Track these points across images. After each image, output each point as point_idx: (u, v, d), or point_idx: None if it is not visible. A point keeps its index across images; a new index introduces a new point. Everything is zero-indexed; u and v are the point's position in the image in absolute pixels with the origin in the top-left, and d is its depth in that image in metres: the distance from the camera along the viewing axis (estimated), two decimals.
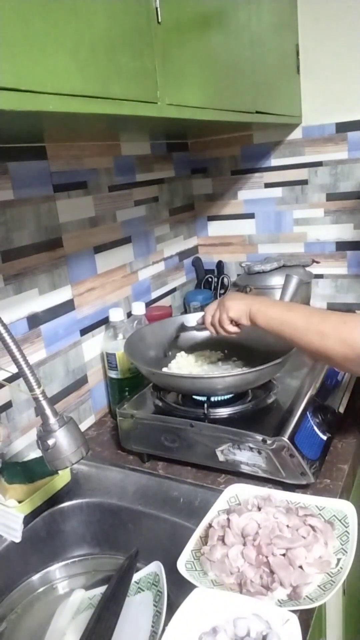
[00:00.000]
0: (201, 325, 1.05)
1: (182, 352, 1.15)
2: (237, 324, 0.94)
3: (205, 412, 0.94)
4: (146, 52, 0.73)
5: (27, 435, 1.03)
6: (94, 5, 0.62)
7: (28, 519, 0.88)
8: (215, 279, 1.64)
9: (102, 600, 0.76)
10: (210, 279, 1.64)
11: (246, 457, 0.90)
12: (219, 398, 0.99)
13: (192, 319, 1.16)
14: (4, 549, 0.86)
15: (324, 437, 0.95)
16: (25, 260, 1.01)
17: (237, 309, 0.91)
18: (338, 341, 0.75)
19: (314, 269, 1.53)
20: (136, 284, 1.38)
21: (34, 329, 1.04)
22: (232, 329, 0.94)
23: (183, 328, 1.17)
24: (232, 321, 0.93)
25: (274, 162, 1.55)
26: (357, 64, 1.38)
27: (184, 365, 1.12)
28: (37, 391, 0.66)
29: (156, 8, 0.74)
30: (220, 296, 1.62)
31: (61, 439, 0.68)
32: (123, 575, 0.78)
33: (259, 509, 0.79)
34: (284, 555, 0.71)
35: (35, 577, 0.91)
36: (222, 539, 0.75)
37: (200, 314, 1.06)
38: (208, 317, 0.98)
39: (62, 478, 0.95)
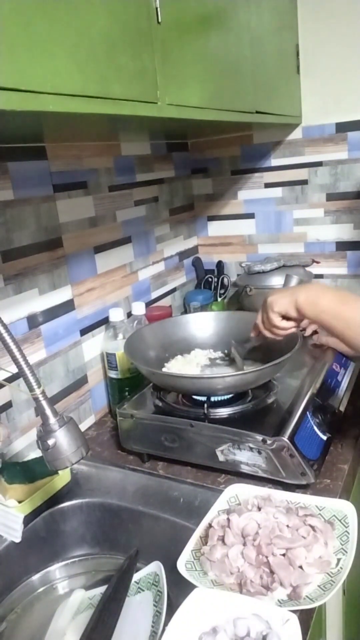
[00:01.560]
0: (255, 340, 1.01)
1: (178, 356, 1.15)
2: (288, 318, 0.88)
3: (205, 412, 0.94)
4: (146, 52, 0.73)
5: (27, 435, 1.03)
6: (94, 5, 0.62)
7: (28, 519, 0.88)
8: (215, 279, 1.64)
9: (102, 600, 0.76)
10: (210, 279, 1.64)
11: (246, 457, 0.90)
12: (219, 398, 0.99)
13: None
14: (4, 549, 0.86)
15: (324, 437, 0.95)
16: (25, 260, 1.01)
17: (280, 302, 0.85)
18: None
19: (314, 269, 1.53)
20: (136, 284, 1.38)
21: (34, 329, 1.04)
22: (286, 324, 0.88)
23: (236, 347, 1.09)
24: (281, 317, 0.87)
25: (274, 162, 1.55)
26: (357, 64, 1.38)
27: (183, 365, 1.12)
28: (37, 391, 0.66)
29: (156, 8, 0.74)
30: (220, 296, 1.62)
31: (61, 439, 0.68)
32: (123, 575, 0.78)
33: (259, 509, 0.79)
34: (284, 555, 0.71)
35: (35, 577, 0.91)
36: (222, 539, 0.75)
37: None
38: (259, 324, 0.93)
39: (62, 478, 0.95)
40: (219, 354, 1.17)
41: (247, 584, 0.69)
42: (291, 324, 0.89)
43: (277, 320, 0.88)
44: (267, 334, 0.93)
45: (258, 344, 1.04)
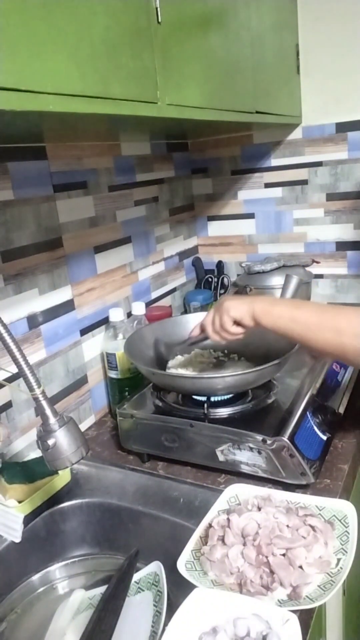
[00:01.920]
0: (195, 338, 1.00)
1: (178, 356, 1.15)
2: (239, 325, 0.89)
3: (205, 412, 0.94)
4: (146, 52, 0.73)
5: (27, 435, 1.03)
6: (94, 5, 0.62)
7: (28, 519, 0.88)
8: (215, 279, 1.64)
9: (102, 600, 0.76)
10: (210, 279, 1.64)
11: (246, 457, 0.90)
12: (219, 398, 0.99)
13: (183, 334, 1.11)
14: (4, 549, 0.86)
15: (324, 437, 0.95)
16: (25, 260, 1.01)
17: (238, 309, 0.86)
18: (354, 336, 0.72)
19: (314, 269, 1.53)
20: (136, 284, 1.38)
21: (34, 329, 1.04)
22: (236, 329, 0.88)
23: (169, 350, 1.11)
24: (234, 322, 0.88)
25: (274, 162, 1.55)
26: (357, 64, 1.38)
27: (183, 365, 1.12)
28: (37, 391, 0.66)
29: (156, 8, 0.74)
30: (220, 296, 1.62)
31: (61, 439, 0.68)
32: (123, 575, 0.78)
33: (259, 509, 0.79)
34: (284, 555, 0.71)
35: (35, 577, 0.91)
36: (222, 539, 0.75)
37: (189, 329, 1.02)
38: (209, 326, 0.92)
39: (62, 478, 0.95)
40: (218, 353, 1.17)
41: (247, 584, 0.69)
42: (241, 330, 0.89)
43: (229, 325, 0.88)
44: (215, 336, 0.92)
45: (191, 346, 1.04)
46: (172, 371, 1.09)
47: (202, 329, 0.95)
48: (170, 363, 1.12)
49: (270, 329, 0.83)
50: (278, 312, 0.81)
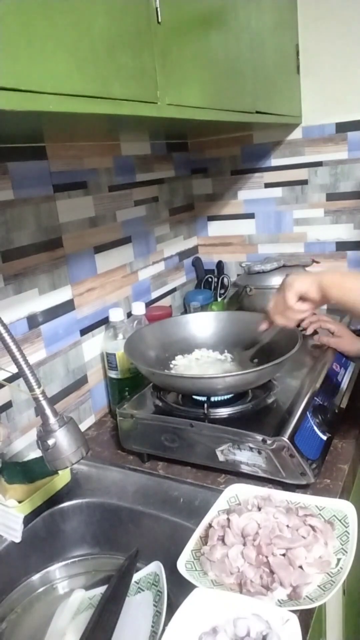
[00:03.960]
0: (265, 333, 0.97)
1: (178, 356, 1.15)
2: (304, 300, 0.85)
3: (205, 412, 0.94)
4: (146, 52, 0.73)
5: (27, 435, 1.03)
6: (94, 5, 0.62)
7: (28, 519, 0.88)
8: (215, 279, 1.64)
9: (102, 600, 0.76)
10: (210, 279, 1.64)
11: (246, 457, 0.90)
12: (219, 398, 0.99)
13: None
14: (4, 549, 0.86)
15: (324, 437, 0.95)
16: (25, 260, 1.01)
17: (302, 281, 0.82)
18: None
19: (314, 269, 1.53)
20: (136, 284, 1.38)
21: (34, 329, 1.04)
22: (301, 306, 0.85)
23: (243, 353, 1.09)
24: (299, 298, 0.84)
25: (274, 162, 1.55)
26: (357, 64, 1.38)
27: (184, 365, 1.12)
28: (37, 391, 0.66)
29: (156, 8, 0.74)
30: (220, 296, 1.62)
31: (61, 439, 0.68)
32: (123, 575, 0.78)
33: (259, 509, 0.79)
34: (284, 555, 0.71)
35: (35, 577, 0.91)
36: (222, 539, 0.75)
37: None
38: (272, 307, 0.90)
39: (62, 478, 0.95)
40: (218, 354, 1.17)
41: (247, 584, 0.69)
42: (306, 307, 0.86)
43: (294, 301, 0.85)
44: (279, 319, 0.90)
45: (262, 346, 1.03)
46: (172, 371, 1.09)
47: (268, 317, 0.93)
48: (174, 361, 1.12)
49: (339, 302, 0.81)
50: (350, 284, 0.79)
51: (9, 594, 0.87)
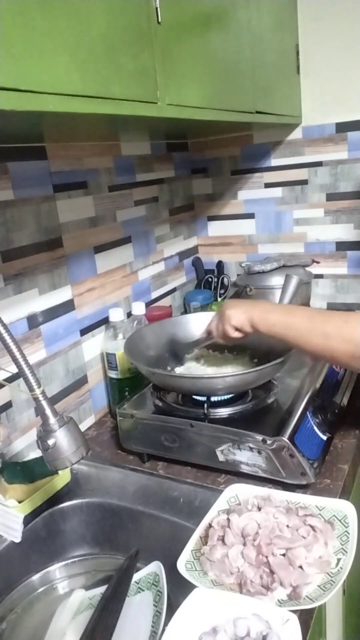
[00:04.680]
0: (204, 340, 1.05)
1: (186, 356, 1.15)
2: (239, 330, 0.94)
3: (205, 412, 0.94)
4: (146, 52, 0.73)
5: (27, 435, 1.03)
6: (94, 5, 0.62)
7: (28, 519, 0.88)
8: (215, 279, 1.64)
9: (102, 600, 0.76)
10: (210, 279, 1.64)
11: (246, 457, 0.90)
12: (219, 398, 0.99)
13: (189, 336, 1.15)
14: (4, 549, 0.86)
15: (324, 437, 0.95)
16: (25, 260, 1.01)
17: (237, 318, 0.91)
18: (342, 341, 0.76)
19: (314, 269, 1.53)
20: (136, 284, 1.38)
21: (34, 329, 1.04)
22: (237, 334, 0.94)
23: (185, 347, 1.13)
24: (235, 329, 0.93)
25: (274, 162, 1.55)
26: (357, 64, 1.38)
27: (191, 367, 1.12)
28: (37, 391, 0.66)
29: (156, 8, 0.74)
30: (220, 296, 1.62)
31: (61, 439, 0.68)
32: (123, 575, 0.78)
33: (259, 509, 0.79)
34: (284, 555, 0.71)
35: (35, 577, 0.91)
36: (222, 539, 0.75)
37: (198, 332, 1.08)
38: (214, 330, 0.99)
39: (62, 478, 0.95)
40: (217, 354, 1.17)
41: (247, 584, 0.69)
42: (240, 335, 0.94)
43: (232, 332, 0.93)
44: (220, 340, 1.00)
45: (203, 346, 1.09)
46: (172, 371, 1.09)
47: (209, 333, 1.02)
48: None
49: (267, 335, 0.88)
50: (273, 319, 0.86)
51: (9, 594, 0.87)
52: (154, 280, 1.47)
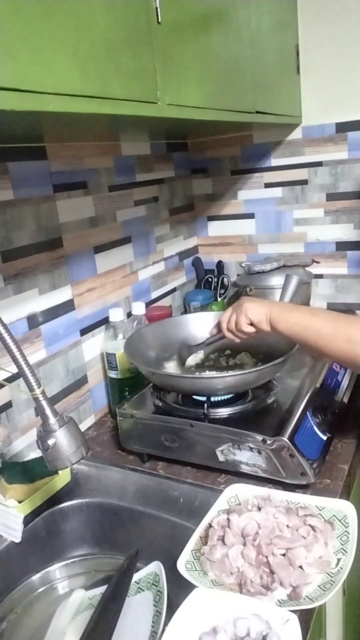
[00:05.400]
0: (213, 337, 1.03)
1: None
2: (253, 326, 0.91)
3: (205, 412, 0.94)
4: (146, 52, 0.73)
5: (27, 435, 1.03)
6: (94, 5, 0.62)
7: (28, 519, 0.88)
8: (215, 279, 1.64)
9: (102, 600, 0.76)
10: (210, 279, 1.64)
11: (246, 457, 0.90)
12: (219, 398, 0.99)
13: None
14: (4, 549, 0.86)
15: (324, 437, 0.95)
16: (25, 260, 1.01)
17: (257, 312, 0.88)
18: None
19: (314, 269, 1.53)
20: (136, 284, 1.38)
21: (34, 329, 1.04)
22: (250, 329, 0.91)
23: (189, 349, 1.11)
24: (250, 323, 0.90)
25: (274, 162, 1.55)
26: (357, 64, 1.38)
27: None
28: (37, 391, 0.66)
29: (156, 8, 0.74)
30: (220, 296, 1.62)
31: (61, 439, 0.68)
32: (123, 575, 0.78)
33: (259, 509, 0.79)
34: (284, 555, 0.71)
35: (35, 577, 0.91)
36: (222, 539, 0.75)
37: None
38: (224, 323, 0.96)
39: (62, 478, 0.95)
40: (216, 354, 1.17)
41: (247, 584, 0.69)
42: (253, 330, 0.91)
43: (245, 326, 0.91)
44: (229, 335, 0.96)
45: (210, 347, 1.07)
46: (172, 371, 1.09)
47: (218, 327, 0.99)
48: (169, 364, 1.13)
49: (285, 335, 0.85)
50: (294, 319, 0.84)
51: (9, 594, 0.87)
52: (154, 280, 1.47)
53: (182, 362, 1.10)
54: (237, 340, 0.96)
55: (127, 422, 1.01)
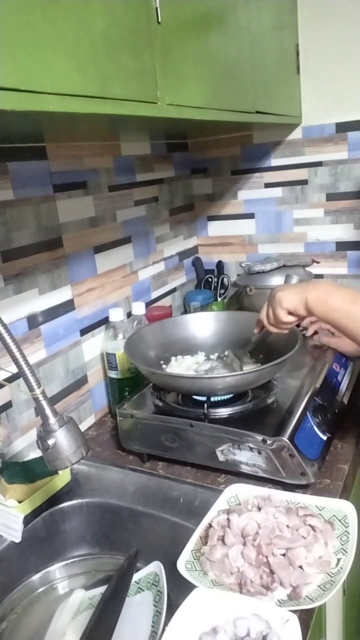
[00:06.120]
0: (258, 336, 1.01)
1: (178, 356, 1.15)
2: (292, 314, 0.88)
3: (205, 412, 0.94)
4: (146, 52, 0.73)
5: (27, 435, 1.03)
6: (94, 5, 0.62)
7: (28, 519, 0.88)
8: (215, 279, 1.64)
9: (102, 600, 0.76)
10: (210, 279, 1.64)
11: (246, 457, 0.90)
12: (219, 398, 0.99)
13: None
14: (4, 549, 0.86)
15: (324, 437, 0.95)
16: (25, 260, 1.01)
17: (290, 299, 0.85)
18: None
19: (314, 269, 1.53)
20: (136, 284, 1.38)
21: (34, 329, 1.04)
22: (291, 318, 0.88)
23: (237, 355, 1.08)
24: (288, 313, 0.87)
25: (274, 162, 1.55)
26: (357, 64, 1.38)
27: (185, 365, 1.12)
28: (37, 391, 0.66)
29: (156, 8, 0.74)
30: (220, 296, 1.62)
31: (61, 439, 0.68)
32: (123, 575, 0.78)
33: (259, 509, 0.79)
34: (284, 555, 0.71)
35: (35, 577, 0.91)
36: (222, 539, 0.75)
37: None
38: (265, 320, 0.93)
39: (62, 478, 0.95)
40: (217, 355, 1.17)
41: (247, 584, 0.69)
42: (295, 318, 0.89)
43: (284, 316, 0.88)
44: (272, 329, 0.94)
45: (258, 343, 1.04)
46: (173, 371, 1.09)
47: (260, 324, 0.97)
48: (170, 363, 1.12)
49: (323, 320, 0.83)
50: (335, 304, 0.79)
51: (9, 594, 0.87)
52: (154, 280, 1.47)
53: (240, 368, 1.06)
54: (286, 332, 0.94)
55: (127, 422, 1.01)
